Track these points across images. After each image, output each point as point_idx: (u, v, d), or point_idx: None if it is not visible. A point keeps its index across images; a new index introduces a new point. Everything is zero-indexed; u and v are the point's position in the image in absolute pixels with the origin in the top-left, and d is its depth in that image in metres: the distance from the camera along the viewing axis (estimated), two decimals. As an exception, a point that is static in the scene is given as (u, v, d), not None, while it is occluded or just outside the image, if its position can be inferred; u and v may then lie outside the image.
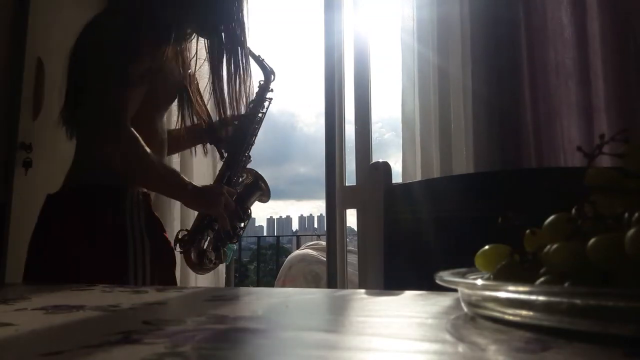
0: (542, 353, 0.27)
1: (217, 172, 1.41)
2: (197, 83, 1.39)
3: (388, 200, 0.93)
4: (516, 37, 1.47)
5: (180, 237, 1.31)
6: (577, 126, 1.40)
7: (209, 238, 1.33)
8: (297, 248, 3.83)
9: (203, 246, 1.32)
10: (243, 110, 1.38)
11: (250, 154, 1.42)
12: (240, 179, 1.40)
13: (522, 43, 1.46)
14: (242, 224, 1.39)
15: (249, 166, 1.42)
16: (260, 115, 1.42)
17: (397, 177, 1.50)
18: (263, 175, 1.44)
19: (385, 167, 0.96)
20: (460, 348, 0.30)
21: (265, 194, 1.43)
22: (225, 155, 1.40)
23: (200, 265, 1.33)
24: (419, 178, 1.56)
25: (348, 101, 1.75)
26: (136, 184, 1.22)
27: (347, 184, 1.72)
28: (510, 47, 1.47)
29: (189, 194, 1.26)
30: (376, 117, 1.74)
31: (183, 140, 1.43)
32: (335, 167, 1.69)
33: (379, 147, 1.74)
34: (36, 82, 1.54)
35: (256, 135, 1.43)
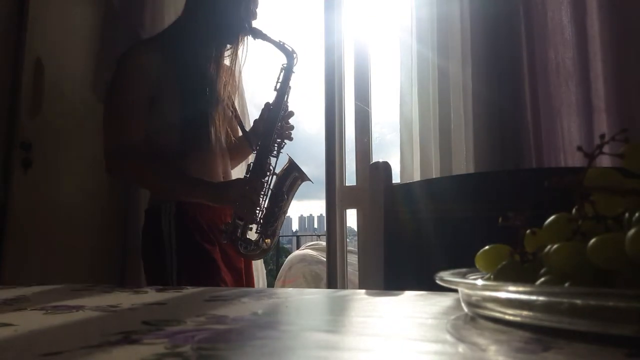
0: (542, 353, 0.27)
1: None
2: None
3: (388, 200, 0.93)
4: (516, 37, 1.47)
5: (223, 229, 1.41)
6: (577, 126, 1.40)
7: (243, 227, 1.41)
8: (297, 248, 3.83)
9: (239, 235, 1.40)
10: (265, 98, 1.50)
11: (282, 140, 1.48)
12: (272, 166, 1.46)
13: (522, 43, 1.46)
14: (281, 209, 1.45)
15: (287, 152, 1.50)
16: (285, 98, 1.48)
17: (396, 177, 1.50)
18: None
19: (385, 167, 0.96)
20: (461, 348, 0.30)
21: (301, 176, 1.48)
22: (256, 147, 1.48)
23: (244, 252, 1.42)
24: (418, 178, 1.56)
25: (348, 101, 1.75)
26: (161, 196, 1.44)
27: (347, 184, 1.72)
28: (510, 47, 1.47)
29: (201, 193, 1.40)
30: (376, 117, 1.74)
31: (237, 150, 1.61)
32: (335, 167, 1.69)
33: (379, 147, 1.74)
34: (36, 82, 1.54)
35: (284, 120, 1.49)
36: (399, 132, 1.65)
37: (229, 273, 1.43)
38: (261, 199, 1.42)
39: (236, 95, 1.62)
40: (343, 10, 1.78)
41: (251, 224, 1.42)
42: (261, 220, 1.43)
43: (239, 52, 1.49)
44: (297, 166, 1.47)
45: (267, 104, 1.50)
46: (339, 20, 1.77)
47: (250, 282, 1.56)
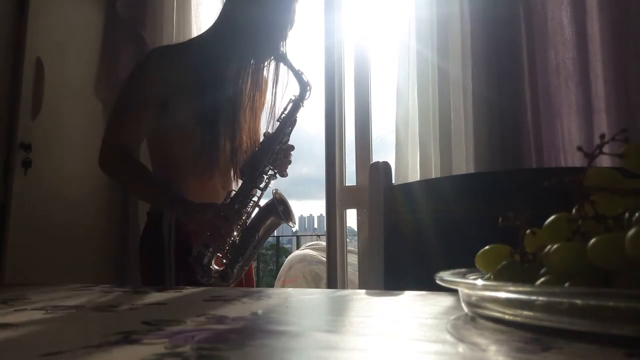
0: (542, 353, 0.27)
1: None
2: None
3: (388, 200, 0.93)
4: (516, 37, 1.47)
5: (192, 251, 1.33)
6: (577, 126, 1.40)
7: (210, 254, 1.32)
8: (297, 248, 3.83)
9: (204, 262, 1.32)
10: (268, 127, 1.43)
11: (274, 172, 1.40)
12: (254, 199, 1.38)
13: (522, 43, 1.46)
14: (251, 246, 1.38)
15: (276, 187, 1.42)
16: (287, 130, 1.41)
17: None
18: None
19: (385, 167, 0.96)
20: (461, 348, 0.30)
21: (280, 218, 1.40)
22: (241, 177, 1.42)
23: (202, 281, 1.33)
24: (417, 178, 1.56)
25: (348, 101, 1.75)
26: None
27: (347, 184, 1.72)
28: (510, 47, 1.47)
29: (173, 208, 1.35)
30: (377, 117, 1.74)
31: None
32: (335, 167, 1.69)
33: (379, 147, 1.74)
34: (36, 82, 1.54)
35: (281, 154, 1.41)
36: (398, 132, 1.64)
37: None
38: (234, 230, 1.34)
39: (261, 113, 1.52)
40: (343, 10, 1.78)
41: (217, 252, 1.34)
42: (228, 254, 1.35)
43: (277, 74, 1.43)
44: (280, 204, 1.39)
45: (265, 133, 1.43)
46: (339, 20, 1.77)
47: (250, 285, 1.55)
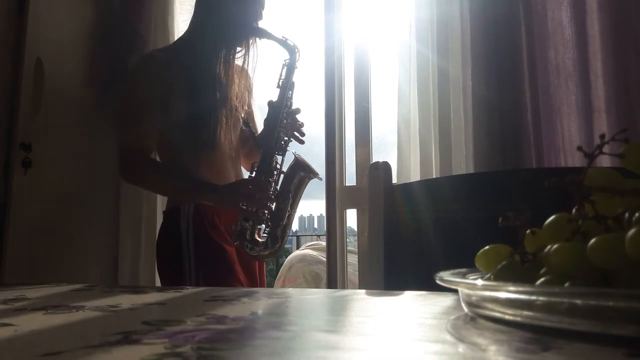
0: (542, 353, 0.27)
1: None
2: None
3: (388, 200, 0.93)
4: (516, 37, 1.47)
5: (232, 230, 1.40)
6: (577, 126, 1.40)
7: (251, 228, 1.40)
8: (297, 248, 3.83)
9: (248, 236, 1.39)
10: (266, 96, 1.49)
11: (291, 137, 1.46)
12: (278, 165, 1.44)
13: (522, 43, 1.46)
14: (287, 208, 1.43)
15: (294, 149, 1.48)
16: (289, 94, 1.47)
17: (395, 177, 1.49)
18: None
19: (385, 167, 0.96)
20: (461, 348, 0.30)
21: (307, 174, 1.45)
22: (260, 147, 1.47)
23: (252, 254, 1.41)
24: (417, 178, 1.56)
25: (348, 101, 1.75)
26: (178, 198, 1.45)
27: (347, 184, 1.72)
28: (510, 47, 1.47)
29: (205, 195, 1.41)
30: (377, 117, 1.74)
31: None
32: (335, 167, 1.69)
33: (379, 147, 1.74)
34: (36, 81, 1.54)
35: (289, 117, 1.47)
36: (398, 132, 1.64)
37: (244, 274, 1.44)
38: (270, 197, 1.40)
39: (250, 96, 1.60)
40: (343, 10, 1.78)
41: (259, 224, 1.41)
42: (269, 222, 1.42)
43: (251, 53, 1.50)
44: (303, 163, 1.45)
45: (269, 102, 1.49)
46: (339, 20, 1.77)
47: (262, 283, 1.59)
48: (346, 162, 1.73)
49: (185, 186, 1.42)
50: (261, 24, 1.50)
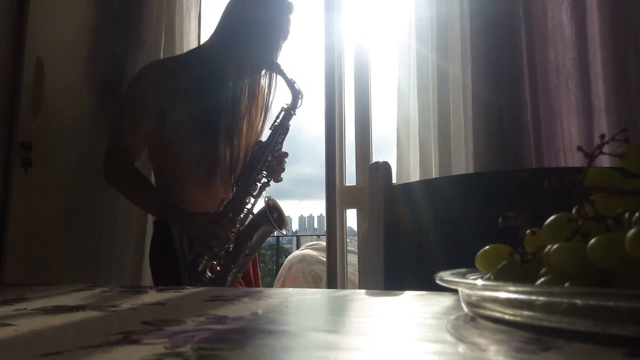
0: (542, 353, 0.27)
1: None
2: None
3: (388, 200, 0.93)
4: (516, 37, 1.47)
5: (186, 258, 1.36)
6: (577, 126, 1.40)
7: (206, 262, 1.36)
8: (297, 248, 3.83)
9: (199, 270, 1.35)
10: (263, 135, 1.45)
11: (267, 179, 1.42)
12: (247, 207, 1.40)
13: (522, 43, 1.46)
14: (243, 253, 1.40)
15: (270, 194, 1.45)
16: (279, 139, 1.44)
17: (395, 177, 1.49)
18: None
19: (385, 167, 0.96)
20: (461, 348, 0.30)
21: (272, 225, 1.42)
22: (235, 184, 1.44)
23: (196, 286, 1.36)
24: (417, 178, 1.56)
25: (348, 101, 1.75)
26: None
27: (347, 184, 1.72)
28: (510, 47, 1.47)
29: (168, 217, 1.39)
30: (377, 117, 1.74)
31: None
32: (335, 167, 1.69)
33: (379, 147, 1.74)
34: (36, 81, 1.54)
35: (275, 161, 1.43)
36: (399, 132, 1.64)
37: (240, 278, 1.44)
38: (228, 238, 1.36)
39: (263, 124, 1.55)
40: (343, 10, 1.78)
41: (214, 260, 1.37)
42: (221, 261, 1.37)
43: (272, 84, 1.47)
44: (272, 211, 1.42)
45: (259, 142, 1.47)
46: (339, 20, 1.77)
47: (257, 284, 1.59)
48: (346, 162, 1.73)
49: (152, 205, 1.44)
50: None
